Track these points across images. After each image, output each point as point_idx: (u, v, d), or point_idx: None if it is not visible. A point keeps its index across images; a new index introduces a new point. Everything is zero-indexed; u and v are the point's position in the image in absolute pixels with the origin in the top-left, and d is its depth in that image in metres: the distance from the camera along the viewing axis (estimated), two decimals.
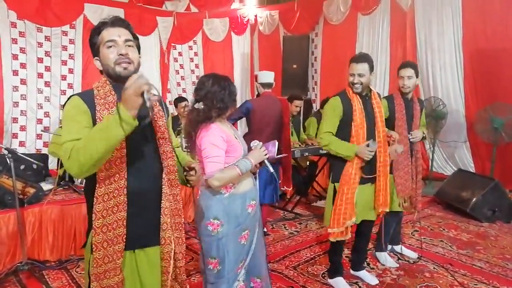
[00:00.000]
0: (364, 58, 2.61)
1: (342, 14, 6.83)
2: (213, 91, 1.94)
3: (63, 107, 1.44)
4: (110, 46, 1.43)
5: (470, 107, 5.49)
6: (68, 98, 1.45)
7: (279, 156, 2.15)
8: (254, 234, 2.10)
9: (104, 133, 1.24)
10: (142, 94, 1.23)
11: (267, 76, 4.08)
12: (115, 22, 1.47)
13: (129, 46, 1.46)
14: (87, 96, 1.42)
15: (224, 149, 1.93)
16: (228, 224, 1.96)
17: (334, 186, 2.70)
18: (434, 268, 3.17)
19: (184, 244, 1.60)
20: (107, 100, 1.42)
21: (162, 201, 1.50)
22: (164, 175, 1.51)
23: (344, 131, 2.64)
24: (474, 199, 4.33)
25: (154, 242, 1.51)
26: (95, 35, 1.47)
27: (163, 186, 1.50)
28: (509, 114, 4.75)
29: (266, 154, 2.01)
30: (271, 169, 2.03)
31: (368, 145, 2.54)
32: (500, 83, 5.16)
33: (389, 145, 2.80)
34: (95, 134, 1.28)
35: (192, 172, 1.63)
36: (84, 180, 1.49)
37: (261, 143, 2.03)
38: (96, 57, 1.49)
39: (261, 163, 2.06)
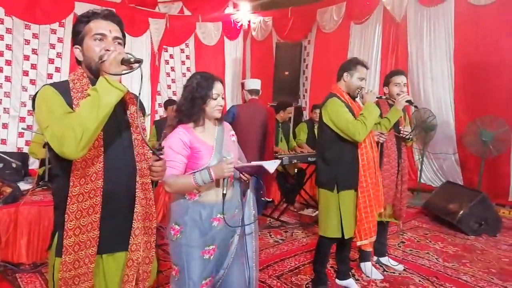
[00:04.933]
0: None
1: (335, 22, 6.84)
2: (182, 94, 1.92)
3: (33, 98, 1.34)
4: (98, 39, 1.36)
5: (460, 119, 5.50)
6: (37, 92, 1.35)
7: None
8: (227, 252, 1.96)
9: (96, 102, 1.23)
10: (122, 63, 1.28)
11: (254, 83, 4.08)
12: (108, 16, 1.40)
13: (118, 43, 1.40)
14: (62, 87, 1.34)
15: (183, 154, 1.83)
16: (188, 233, 1.84)
17: (339, 195, 2.62)
18: (419, 280, 3.11)
19: (154, 249, 1.52)
20: (85, 94, 1.33)
21: (135, 206, 1.42)
22: (138, 178, 1.44)
23: None
24: (461, 212, 4.30)
25: (123, 247, 1.43)
26: (82, 24, 1.39)
27: (136, 190, 1.43)
28: (498, 128, 4.76)
29: (230, 173, 1.79)
30: (224, 190, 1.81)
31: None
32: (490, 96, 5.18)
33: (378, 143, 2.77)
34: (86, 106, 1.24)
35: (157, 163, 1.49)
36: (52, 179, 1.41)
37: (231, 158, 1.81)
38: (77, 46, 1.41)
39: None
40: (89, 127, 1.21)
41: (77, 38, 1.40)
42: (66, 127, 1.21)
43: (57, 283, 1.33)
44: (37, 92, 1.34)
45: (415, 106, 3.18)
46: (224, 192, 1.82)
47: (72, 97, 1.33)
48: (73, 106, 1.31)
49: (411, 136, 3.07)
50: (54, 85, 1.36)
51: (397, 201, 3.06)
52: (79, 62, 1.44)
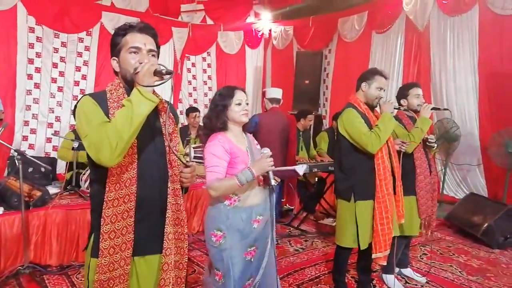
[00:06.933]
0: None
1: (356, 31, 6.82)
2: (209, 107, 2.08)
3: (74, 108, 1.43)
4: (133, 52, 1.42)
5: (484, 130, 5.37)
6: (78, 100, 1.43)
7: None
8: (265, 251, 2.04)
9: (129, 113, 1.29)
10: (154, 74, 1.33)
11: (275, 92, 4.15)
12: (143, 29, 1.46)
13: (152, 56, 1.46)
14: (100, 97, 1.42)
15: (225, 159, 1.92)
16: (231, 237, 1.92)
17: (355, 205, 2.61)
18: None
19: (186, 255, 1.57)
20: (120, 104, 1.40)
21: (167, 211, 1.48)
22: (169, 184, 1.49)
23: None
24: (486, 224, 4.21)
25: (155, 250, 1.48)
26: (119, 36, 1.45)
27: (168, 195, 1.48)
28: None
29: (272, 165, 1.87)
30: (273, 182, 1.89)
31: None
32: None
33: (399, 153, 2.77)
34: (120, 116, 1.30)
35: (186, 170, 1.54)
36: (89, 184, 1.48)
37: (268, 152, 1.90)
38: (114, 57, 1.48)
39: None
40: (123, 136, 1.27)
41: (114, 50, 1.47)
42: (102, 136, 1.27)
43: (92, 284, 1.39)
44: (77, 102, 1.42)
45: (445, 109, 3.45)
46: (272, 184, 1.88)
47: (109, 107, 1.40)
48: (109, 115, 1.37)
49: (437, 144, 3.07)
50: (92, 95, 1.43)
51: (430, 210, 3.04)
52: (116, 73, 1.51)
